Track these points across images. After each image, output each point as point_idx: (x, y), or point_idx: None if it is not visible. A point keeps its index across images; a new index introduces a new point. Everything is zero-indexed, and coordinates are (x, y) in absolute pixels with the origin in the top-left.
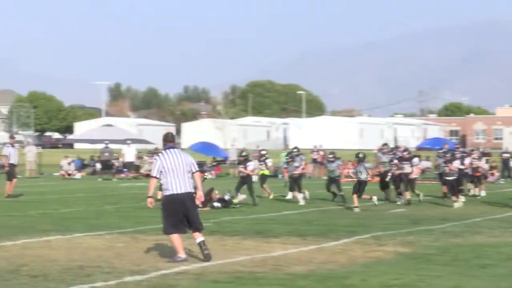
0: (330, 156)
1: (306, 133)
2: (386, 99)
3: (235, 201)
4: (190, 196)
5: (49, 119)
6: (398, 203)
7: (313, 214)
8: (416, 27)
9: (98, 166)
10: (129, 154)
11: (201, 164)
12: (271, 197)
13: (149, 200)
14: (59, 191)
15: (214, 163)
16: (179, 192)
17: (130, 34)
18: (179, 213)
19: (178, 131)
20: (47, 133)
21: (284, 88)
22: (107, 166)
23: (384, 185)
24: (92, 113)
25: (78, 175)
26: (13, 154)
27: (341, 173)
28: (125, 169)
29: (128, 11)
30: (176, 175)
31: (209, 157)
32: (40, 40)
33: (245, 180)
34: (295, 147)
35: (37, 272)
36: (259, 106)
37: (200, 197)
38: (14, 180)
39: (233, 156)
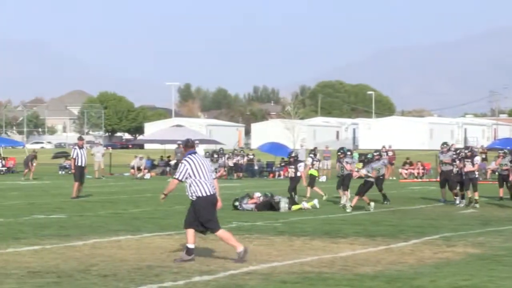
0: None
1: (376, 134)
2: (458, 99)
3: (309, 205)
4: (216, 198)
5: (120, 119)
6: (460, 205)
7: (382, 215)
8: (488, 27)
9: (171, 163)
10: None
11: (270, 165)
12: (324, 198)
13: (163, 196)
14: (129, 191)
15: (283, 164)
16: (212, 193)
17: (200, 35)
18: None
19: (248, 132)
20: (118, 134)
21: (354, 88)
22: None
23: (444, 184)
24: (162, 113)
25: (147, 175)
26: (81, 156)
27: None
28: None
29: (198, 12)
30: (205, 177)
31: (278, 158)
32: (111, 41)
33: (291, 180)
34: (343, 148)
35: (107, 272)
36: (329, 106)
37: (219, 203)
38: (76, 183)
39: (302, 157)
